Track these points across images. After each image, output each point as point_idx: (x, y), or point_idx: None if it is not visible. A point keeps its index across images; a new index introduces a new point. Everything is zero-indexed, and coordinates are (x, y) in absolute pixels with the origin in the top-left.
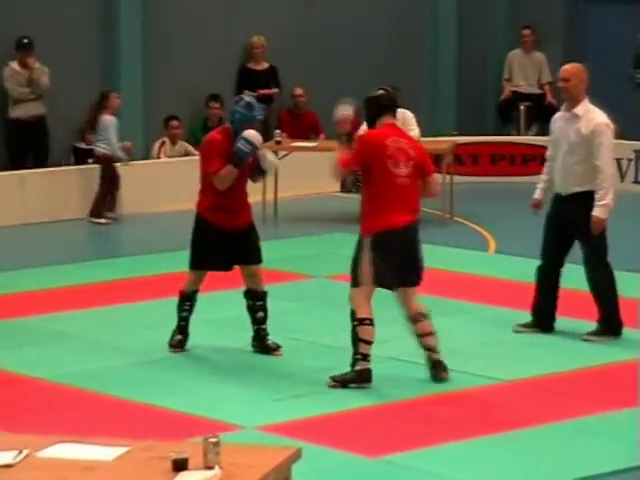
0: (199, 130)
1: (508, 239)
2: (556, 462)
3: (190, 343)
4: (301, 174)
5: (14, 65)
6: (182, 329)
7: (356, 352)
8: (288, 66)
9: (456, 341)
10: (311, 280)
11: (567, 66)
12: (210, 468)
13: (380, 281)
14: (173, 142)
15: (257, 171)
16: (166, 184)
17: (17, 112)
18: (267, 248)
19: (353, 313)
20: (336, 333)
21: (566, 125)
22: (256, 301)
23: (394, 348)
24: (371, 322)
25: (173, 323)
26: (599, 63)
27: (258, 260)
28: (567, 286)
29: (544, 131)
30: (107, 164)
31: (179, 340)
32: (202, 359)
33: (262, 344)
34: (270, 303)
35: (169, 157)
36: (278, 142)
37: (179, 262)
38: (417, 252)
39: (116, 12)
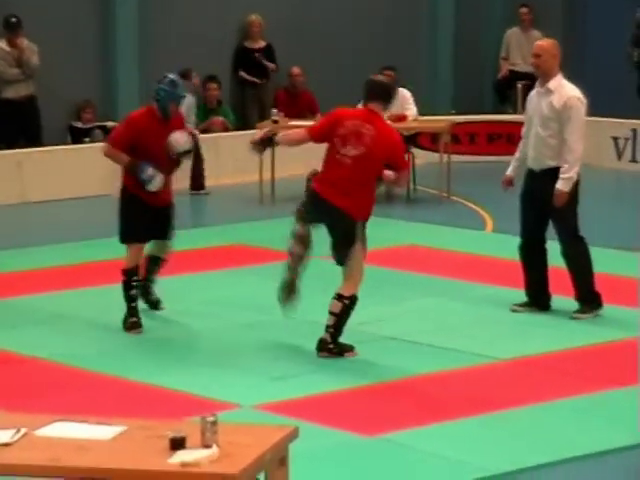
0: (198, 111)
1: (505, 218)
2: (554, 440)
3: (186, 322)
4: (298, 154)
5: (2, 45)
6: (133, 311)
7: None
8: (285, 45)
9: (452, 320)
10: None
11: (539, 41)
12: (208, 447)
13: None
14: None
15: (175, 161)
16: None
17: (8, 93)
18: (264, 228)
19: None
20: None
21: (539, 100)
22: (157, 264)
23: (389, 327)
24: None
25: (169, 301)
26: (598, 41)
27: (170, 236)
28: (561, 264)
29: None
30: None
31: (134, 322)
32: (198, 338)
33: (148, 298)
34: (265, 283)
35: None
36: (275, 121)
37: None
38: (336, 232)
39: None
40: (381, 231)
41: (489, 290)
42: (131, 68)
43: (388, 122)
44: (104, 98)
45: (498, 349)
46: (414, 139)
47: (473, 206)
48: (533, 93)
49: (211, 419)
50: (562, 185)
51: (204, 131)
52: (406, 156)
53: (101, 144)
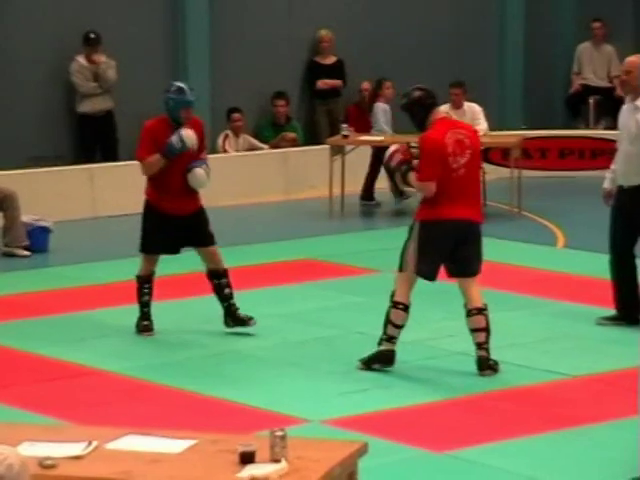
0: (267, 126)
1: (577, 234)
2: (628, 458)
3: (255, 336)
4: (367, 168)
5: (81, 60)
6: (145, 315)
7: (384, 333)
8: (356, 60)
9: (523, 336)
10: (378, 274)
11: (630, 57)
12: (277, 461)
13: (419, 270)
14: (236, 135)
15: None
16: (230, 178)
17: (85, 107)
18: (334, 242)
19: (393, 295)
20: (404, 327)
21: (628, 116)
22: (220, 279)
23: (461, 342)
24: (405, 308)
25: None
26: None
27: (211, 242)
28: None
29: (613, 125)
30: (378, 149)
31: (145, 325)
32: (268, 352)
33: (235, 318)
34: (337, 297)
35: (236, 151)
36: (345, 136)
37: (243, 256)
38: (475, 244)
39: (183, 5)
40: None
41: (560, 306)
42: (202, 84)
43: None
44: None
45: (570, 366)
46: (485, 154)
47: (544, 222)
48: (624, 108)
49: (280, 433)
50: None
51: (274, 146)
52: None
53: None
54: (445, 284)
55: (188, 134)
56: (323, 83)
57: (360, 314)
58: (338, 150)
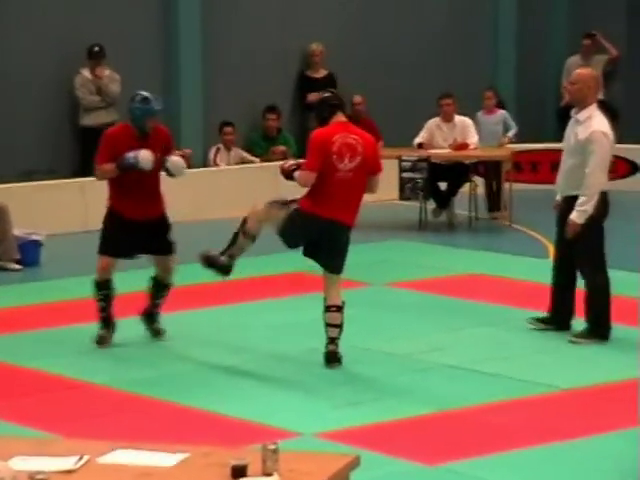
0: (258, 140)
1: None
2: (620, 470)
3: (248, 349)
4: None
5: (85, 73)
6: (104, 321)
7: (229, 247)
8: (346, 73)
9: (514, 348)
10: (369, 287)
11: (578, 70)
12: (269, 475)
13: (282, 234)
14: (228, 148)
15: (165, 171)
16: (222, 191)
17: (88, 120)
18: None
19: (245, 221)
20: (393, 340)
21: (570, 128)
22: (161, 291)
23: (450, 355)
24: (253, 237)
25: (232, 330)
26: None
27: (170, 251)
28: (619, 293)
29: None
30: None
31: (101, 336)
32: (260, 365)
33: (152, 326)
34: None
35: (227, 164)
36: None
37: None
38: (344, 243)
39: (175, 19)
40: (443, 259)
41: None
42: (195, 98)
43: (449, 151)
44: (169, 127)
45: (560, 378)
46: (476, 167)
47: (535, 234)
48: (570, 121)
49: (272, 447)
50: (575, 216)
51: (265, 160)
52: (466, 185)
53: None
54: (435, 298)
55: (145, 155)
56: (314, 96)
57: (351, 326)
58: None
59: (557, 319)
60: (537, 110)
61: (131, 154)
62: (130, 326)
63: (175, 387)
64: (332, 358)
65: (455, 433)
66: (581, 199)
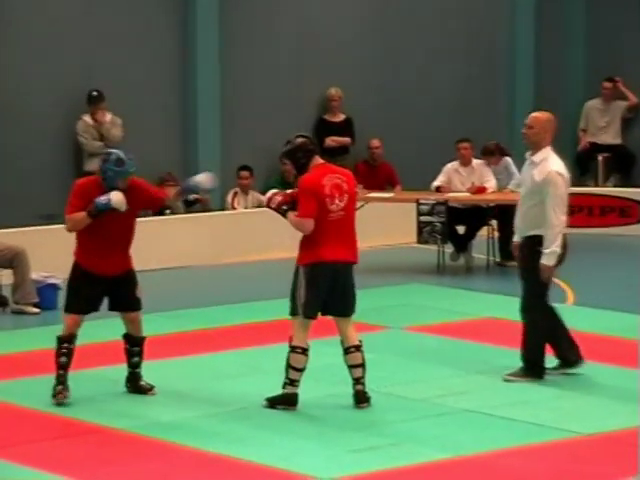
0: (276, 185)
1: (586, 291)
2: None
3: (265, 393)
4: (377, 225)
5: (87, 119)
6: (61, 378)
7: (286, 376)
8: (364, 118)
9: (532, 393)
10: (388, 331)
11: (535, 113)
12: None
13: (305, 312)
14: (245, 192)
15: (185, 197)
16: (239, 235)
17: (91, 165)
18: None
19: (290, 340)
20: (411, 384)
21: (527, 170)
22: (133, 346)
23: (468, 400)
24: (303, 351)
25: (250, 374)
26: None
27: (135, 308)
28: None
29: (623, 182)
30: None
31: (59, 390)
32: (277, 409)
33: (135, 385)
34: None
35: (245, 208)
36: None
37: (252, 313)
38: (352, 282)
39: (193, 63)
40: (461, 303)
41: None
42: (213, 142)
43: (467, 194)
44: (186, 170)
45: (578, 423)
46: (494, 212)
47: (554, 279)
48: (526, 163)
49: None
50: (545, 259)
51: None
52: (483, 228)
53: (182, 216)
54: (453, 342)
55: (117, 197)
56: (332, 140)
57: (370, 370)
58: None
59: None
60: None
61: (102, 197)
62: (146, 370)
63: (191, 432)
64: (362, 398)
65: (473, 478)
66: (546, 242)
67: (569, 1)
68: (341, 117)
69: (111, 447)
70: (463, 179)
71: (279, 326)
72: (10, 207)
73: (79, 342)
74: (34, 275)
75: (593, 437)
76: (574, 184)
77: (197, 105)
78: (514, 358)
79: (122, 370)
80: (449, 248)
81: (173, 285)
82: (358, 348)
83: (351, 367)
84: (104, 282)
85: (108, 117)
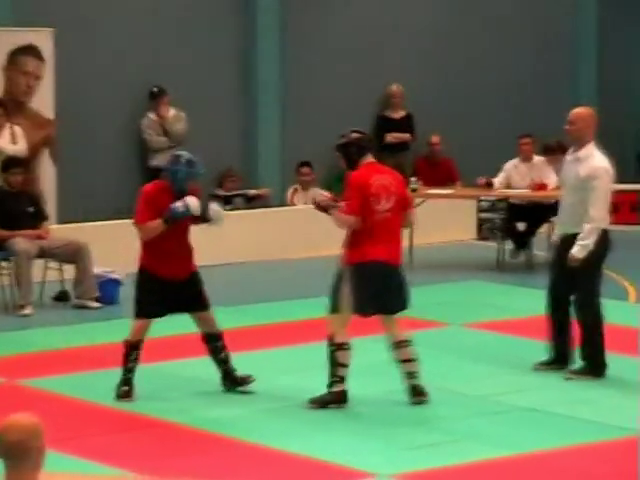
0: (336, 180)
1: None
2: None
3: (322, 389)
4: (437, 221)
5: (151, 115)
6: (128, 381)
7: (334, 374)
8: (425, 114)
9: (593, 391)
10: (447, 328)
11: (576, 109)
12: None
13: (357, 309)
14: (305, 188)
15: (201, 220)
16: (300, 231)
17: (156, 161)
18: None
19: (331, 338)
20: (471, 381)
21: (570, 167)
22: (216, 342)
23: (527, 397)
24: (348, 346)
25: (309, 369)
26: None
27: (204, 306)
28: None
29: None
30: None
31: (125, 391)
32: (335, 405)
33: (233, 380)
34: None
35: (304, 204)
36: (414, 190)
37: (314, 309)
38: (398, 282)
39: (255, 59)
40: (522, 300)
41: (632, 361)
42: (273, 138)
43: (528, 191)
44: (246, 166)
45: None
46: (555, 208)
47: (616, 276)
48: (567, 158)
49: None
50: (576, 251)
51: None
52: (544, 225)
53: (242, 212)
54: (513, 339)
55: (193, 202)
56: (392, 137)
57: (427, 366)
58: None
59: (558, 358)
60: (617, 152)
61: (178, 204)
62: (206, 365)
63: (249, 426)
64: (417, 392)
65: (532, 476)
66: (583, 233)
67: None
68: (401, 113)
69: (172, 441)
70: (523, 174)
71: (355, 320)
72: (75, 202)
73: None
74: (96, 270)
75: None
76: (636, 182)
77: (258, 101)
78: (575, 356)
79: (183, 365)
80: (509, 245)
81: (234, 280)
82: (408, 343)
83: (403, 362)
84: (174, 286)
85: (171, 112)
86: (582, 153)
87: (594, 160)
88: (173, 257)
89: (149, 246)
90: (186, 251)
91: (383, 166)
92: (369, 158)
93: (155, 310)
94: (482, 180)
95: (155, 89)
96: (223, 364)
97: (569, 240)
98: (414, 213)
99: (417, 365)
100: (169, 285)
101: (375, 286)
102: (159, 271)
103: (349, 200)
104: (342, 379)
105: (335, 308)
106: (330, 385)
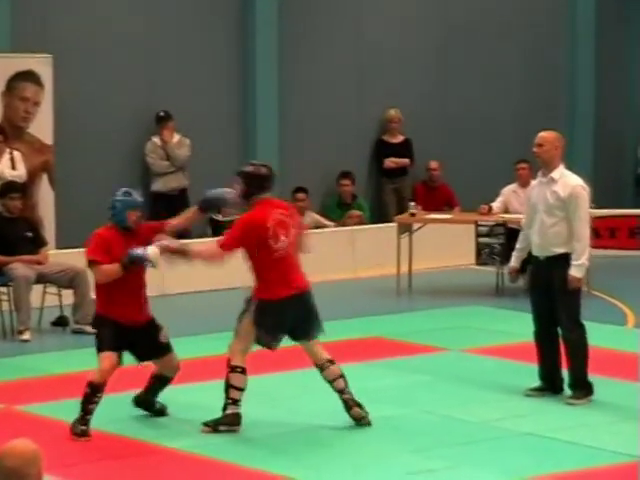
0: (333, 206)
1: None
2: None
3: (322, 415)
4: (436, 246)
5: (155, 139)
6: (87, 421)
7: (227, 397)
8: (423, 139)
9: (594, 416)
10: (446, 353)
11: (542, 133)
12: None
13: (259, 340)
14: (301, 214)
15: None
16: None
17: (157, 185)
18: (402, 320)
19: (228, 361)
20: (470, 406)
21: (542, 189)
22: (163, 386)
23: (531, 422)
24: (243, 370)
25: (304, 394)
26: None
27: (166, 351)
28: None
29: None
30: None
31: (84, 430)
32: (334, 431)
33: (152, 409)
34: (405, 375)
35: None
36: (413, 214)
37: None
38: (308, 308)
39: (252, 85)
40: (521, 325)
41: (631, 387)
42: (271, 163)
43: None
44: None
45: None
46: None
47: (614, 301)
48: (535, 183)
49: None
50: (575, 271)
51: (341, 225)
52: None
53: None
54: (512, 364)
55: (155, 252)
56: (391, 162)
57: (428, 393)
58: (406, 228)
59: (548, 385)
60: (615, 176)
61: (137, 250)
62: (202, 390)
63: (251, 452)
64: (352, 404)
65: None
66: (575, 253)
67: (629, 20)
68: (400, 138)
69: (167, 467)
70: (521, 200)
71: (336, 347)
72: (74, 227)
73: (128, 361)
74: (93, 295)
75: None
76: (635, 206)
77: (256, 125)
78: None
79: (181, 390)
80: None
81: (223, 306)
82: (332, 362)
83: (332, 381)
84: (129, 332)
85: (176, 138)
86: (555, 174)
87: (571, 179)
88: (127, 304)
89: (106, 291)
90: (143, 296)
91: (277, 200)
92: (266, 196)
93: (117, 343)
94: (485, 208)
95: (162, 113)
96: (154, 403)
97: (553, 261)
98: (308, 237)
99: (345, 381)
100: (125, 330)
101: (283, 321)
102: (114, 316)
103: (231, 234)
104: (235, 402)
105: (237, 333)
106: (224, 408)
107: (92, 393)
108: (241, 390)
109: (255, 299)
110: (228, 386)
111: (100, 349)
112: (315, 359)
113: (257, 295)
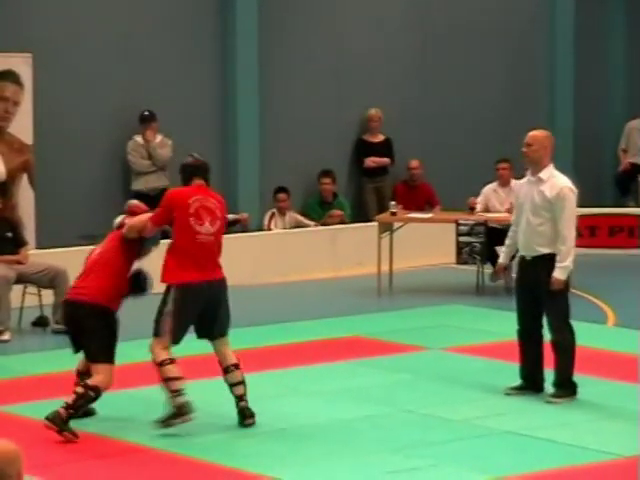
0: (314, 205)
1: (627, 312)
2: None
3: (301, 414)
4: (416, 245)
5: (138, 138)
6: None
7: (170, 391)
8: (403, 138)
9: (573, 414)
10: (426, 352)
11: (532, 132)
12: None
13: (173, 337)
14: (282, 214)
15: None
16: (278, 255)
17: (138, 184)
18: (382, 319)
19: (154, 361)
20: (451, 405)
21: (530, 188)
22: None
23: (512, 421)
24: (171, 361)
25: (289, 395)
26: None
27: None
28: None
29: None
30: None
31: (74, 433)
32: (314, 430)
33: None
34: (384, 374)
35: (282, 229)
36: (393, 213)
37: (290, 333)
38: (220, 306)
39: (232, 85)
40: (500, 324)
41: (611, 385)
42: (252, 164)
43: (506, 215)
44: (227, 192)
45: (622, 446)
46: None
47: (594, 300)
48: (523, 181)
49: None
50: (559, 273)
51: (322, 224)
52: None
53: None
54: (493, 363)
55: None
56: (371, 161)
57: (408, 392)
58: (386, 227)
59: (529, 385)
60: (595, 175)
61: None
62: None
63: (229, 452)
64: (247, 414)
65: None
66: (560, 255)
67: (608, 22)
68: (381, 137)
69: (151, 467)
70: (501, 199)
71: (318, 347)
72: (55, 226)
73: (120, 362)
74: None
75: (635, 459)
76: (615, 204)
77: (236, 125)
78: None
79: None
80: (488, 269)
81: None
82: (237, 366)
83: (233, 385)
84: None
85: (158, 138)
86: (544, 174)
87: (559, 180)
88: None
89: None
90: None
91: (209, 190)
92: (197, 181)
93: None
94: (473, 200)
95: (147, 113)
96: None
97: (539, 261)
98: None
99: (244, 388)
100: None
101: (196, 311)
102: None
103: (157, 213)
104: (178, 391)
105: (156, 331)
106: (170, 402)
107: (95, 398)
108: (178, 379)
109: (168, 286)
110: (164, 381)
111: (108, 361)
112: (222, 360)
113: (169, 280)
